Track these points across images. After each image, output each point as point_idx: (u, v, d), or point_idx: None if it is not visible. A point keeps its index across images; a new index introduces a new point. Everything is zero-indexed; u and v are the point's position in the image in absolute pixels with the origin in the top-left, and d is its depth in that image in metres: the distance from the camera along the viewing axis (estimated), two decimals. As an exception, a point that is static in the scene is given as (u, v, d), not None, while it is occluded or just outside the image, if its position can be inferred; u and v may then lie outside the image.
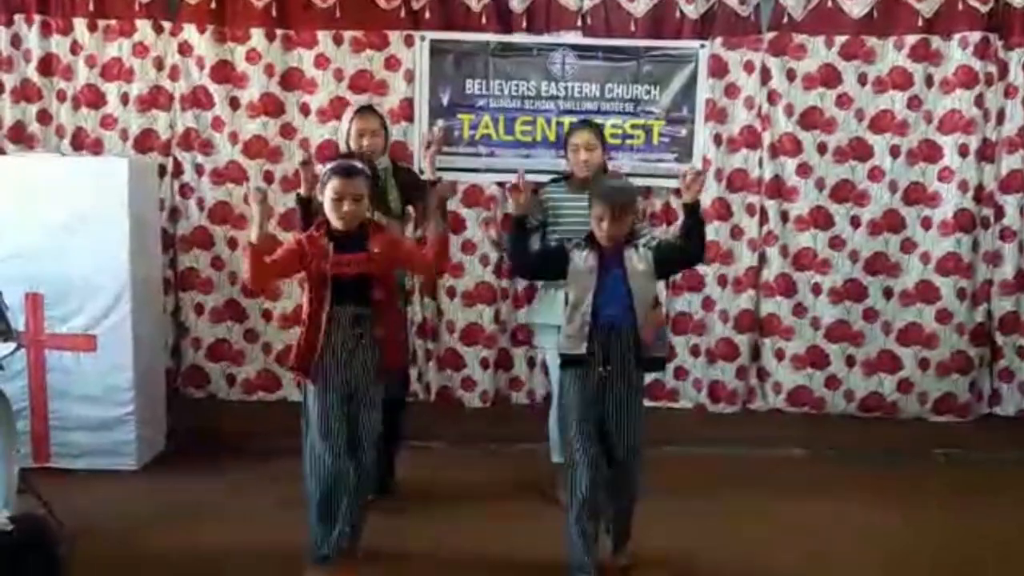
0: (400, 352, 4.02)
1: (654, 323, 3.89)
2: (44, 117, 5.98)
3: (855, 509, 4.68)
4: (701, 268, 6.08)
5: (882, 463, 5.44)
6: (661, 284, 4.04)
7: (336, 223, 3.74)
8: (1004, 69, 5.93)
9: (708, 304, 6.17)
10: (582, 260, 3.76)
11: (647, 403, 4.00)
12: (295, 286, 5.52)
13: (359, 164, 3.90)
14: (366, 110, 4.72)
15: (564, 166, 4.91)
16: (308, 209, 4.22)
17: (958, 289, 6.06)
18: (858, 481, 5.13)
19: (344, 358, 3.77)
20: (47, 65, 5.94)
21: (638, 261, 3.75)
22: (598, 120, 5.78)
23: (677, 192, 5.96)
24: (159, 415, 5.38)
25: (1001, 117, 5.99)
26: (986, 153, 6.00)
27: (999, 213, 6.08)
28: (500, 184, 6.03)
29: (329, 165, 3.83)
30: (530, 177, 5.77)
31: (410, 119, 5.98)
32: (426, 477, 4.96)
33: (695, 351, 6.19)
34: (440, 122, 5.56)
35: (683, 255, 3.93)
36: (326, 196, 3.73)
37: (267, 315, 6.09)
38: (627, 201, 3.75)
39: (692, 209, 3.78)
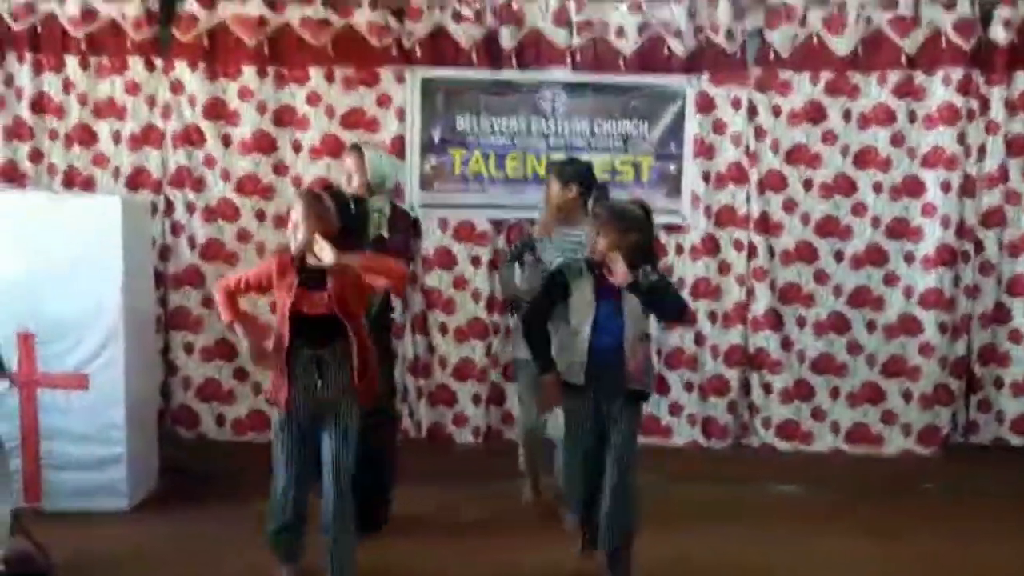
0: (369, 392, 3.94)
1: (642, 356, 3.94)
2: (36, 156, 5.97)
3: (846, 543, 4.71)
4: (691, 304, 6.11)
5: (869, 496, 5.48)
6: (652, 319, 4.10)
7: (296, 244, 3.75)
8: (985, 105, 6.06)
9: (700, 339, 6.22)
10: (579, 292, 3.85)
11: (642, 439, 4.06)
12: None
13: (321, 193, 3.94)
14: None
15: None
16: None
17: (940, 323, 6.14)
18: (847, 515, 5.16)
19: (310, 391, 3.81)
20: (39, 103, 5.94)
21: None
22: (587, 157, 5.87)
23: (667, 228, 6.09)
24: (151, 454, 5.32)
25: (982, 153, 6.11)
26: (967, 188, 6.11)
27: (979, 247, 6.19)
28: (491, 220, 6.10)
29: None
30: (520, 214, 5.91)
31: (402, 156, 5.99)
32: (418, 513, 4.95)
33: (688, 387, 6.23)
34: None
35: (658, 316, 4.08)
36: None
37: (257, 353, 6.04)
38: (607, 217, 3.86)
39: (633, 287, 3.82)
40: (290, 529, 3.95)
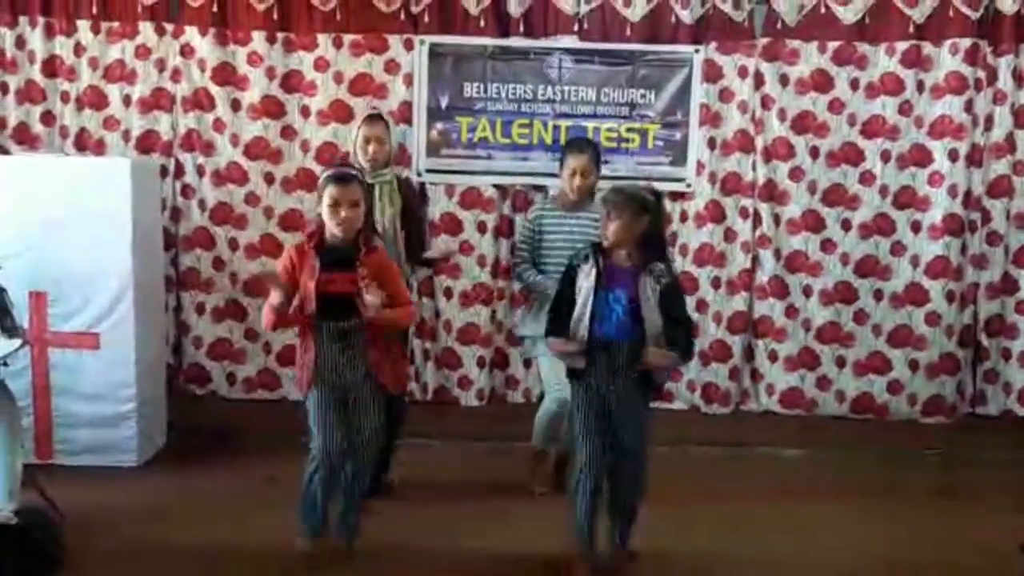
0: (397, 377, 4.06)
1: (664, 358, 3.78)
2: (48, 118, 6.05)
3: (846, 509, 4.76)
4: (695, 271, 6.20)
5: (873, 464, 5.53)
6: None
7: (334, 230, 3.79)
8: (993, 75, 6.02)
9: (702, 306, 6.22)
10: (584, 276, 3.79)
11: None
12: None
13: (355, 171, 3.97)
14: (373, 117, 4.72)
15: (558, 182, 4.96)
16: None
17: (947, 292, 6.14)
18: (849, 482, 5.22)
19: (336, 366, 3.86)
20: (51, 66, 6.01)
21: (650, 290, 3.72)
22: (593, 124, 5.93)
23: (672, 195, 6.10)
24: (160, 412, 5.44)
25: (989, 123, 6.07)
26: (974, 158, 6.08)
27: (986, 217, 6.16)
28: (497, 186, 6.13)
29: (326, 172, 3.90)
30: (525, 180, 5.97)
31: (409, 122, 6.04)
32: (423, 474, 5.02)
33: (689, 353, 6.24)
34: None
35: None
36: (323, 203, 3.78)
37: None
38: (620, 200, 3.74)
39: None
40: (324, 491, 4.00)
